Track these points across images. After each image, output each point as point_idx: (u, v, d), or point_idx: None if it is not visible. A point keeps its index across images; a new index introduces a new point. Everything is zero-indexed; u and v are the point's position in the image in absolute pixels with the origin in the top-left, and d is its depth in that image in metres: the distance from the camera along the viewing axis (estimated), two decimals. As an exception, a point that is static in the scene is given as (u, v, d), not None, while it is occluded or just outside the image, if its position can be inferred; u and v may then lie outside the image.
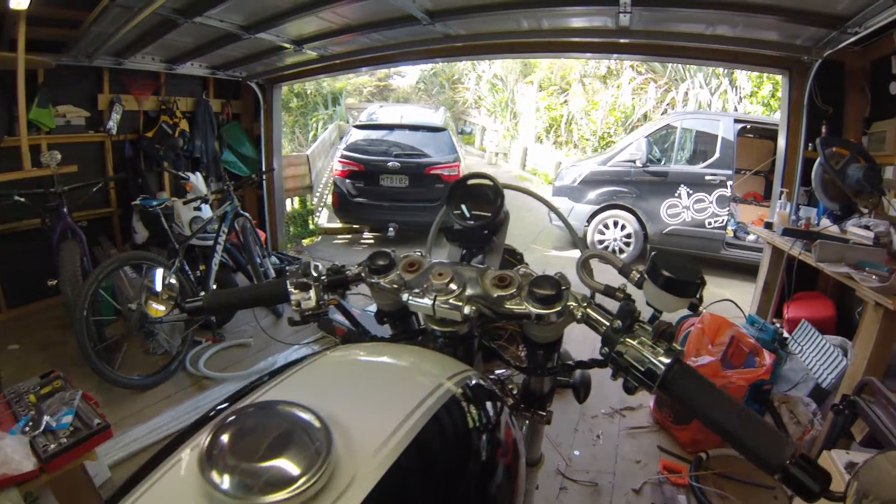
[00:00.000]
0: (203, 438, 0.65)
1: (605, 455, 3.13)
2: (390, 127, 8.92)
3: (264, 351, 4.24)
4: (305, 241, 8.97)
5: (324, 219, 10.33)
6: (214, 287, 4.22)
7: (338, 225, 9.45)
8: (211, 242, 4.35)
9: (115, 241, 5.52)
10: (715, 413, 0.83)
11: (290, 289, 1.20)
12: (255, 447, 0.64)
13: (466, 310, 1.00)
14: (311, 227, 9.89)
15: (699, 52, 4.45)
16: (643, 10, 3.61)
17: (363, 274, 1.18)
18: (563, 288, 0.99)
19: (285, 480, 0.60)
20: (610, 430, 3.34)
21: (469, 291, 1.02)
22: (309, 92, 15.09)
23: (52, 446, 1.89)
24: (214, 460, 0.62)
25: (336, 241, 8.73)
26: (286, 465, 0.62)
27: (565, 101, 15.61)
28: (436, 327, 1.09)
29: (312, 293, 1.21)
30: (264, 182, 6.89)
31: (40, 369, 2.39)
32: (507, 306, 1.00)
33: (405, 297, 1.06)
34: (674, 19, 3.90)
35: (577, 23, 4.21)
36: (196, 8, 4.04)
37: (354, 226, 9.19)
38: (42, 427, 1.94)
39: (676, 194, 7.17)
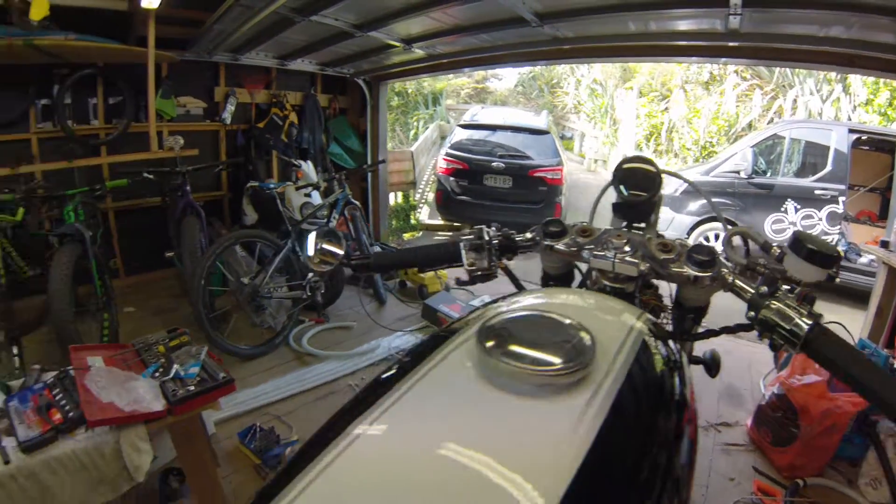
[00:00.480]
0: (480, 329, 0.90)
1: (699, 468, 3.12)
2: (494, 128, 9.05)
3: (366, 335, 4.44)
4: (406, 236, 9.15)
5: (425, 215, 10.56)
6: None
7: (439, 221, 9.61)
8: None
9: (224, 222, 5.98)
10: (860, 373, 0.91)
11: (464, 251, 1.37)
12: (535, 337, 0.88)
13: (642, 266, 1.20)
14: (413, 221, 10.06)
15: (811, 55, 4.25)
16: (753, 11, 3.53)
17: (537, 238, 1.38)
18: (717, 256, 1.17)
19: (555, 362, 0.81)
20: (705, 444, 3.31)
21: (640, 252, 1.22)
22: (410, 91, 15.34)
23: (181, 392, 2.10)
24: (498, 341, 0.86)
25: (437, 238, 8.72)
26: (562, 352, 0.84)
27: (666, 108, 15.25)
28: (607, 283, 1.27)
29: (485, 256, 1.39)
30: (370, 175, 7.15)
31: (154, 330, 2.62)
32: (671, 268, 1.19)
33: (586, 254, 1.27)
34: (785, 20, 3.79)
35: (685, 25, 4.17)
36: (313, 7, 4.26)
37: (455, 223, 9.28)
38: (171, 374, 2.18)
39: (783, 209, 6.95)
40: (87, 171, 5.09)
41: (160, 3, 4.41)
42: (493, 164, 8.23)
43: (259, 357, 3.98)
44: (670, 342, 1.13)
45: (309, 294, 4.27)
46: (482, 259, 1.39)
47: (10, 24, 4.34)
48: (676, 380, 1.02)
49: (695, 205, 7.37)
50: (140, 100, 5.32)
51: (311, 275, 4.19)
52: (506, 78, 20.19)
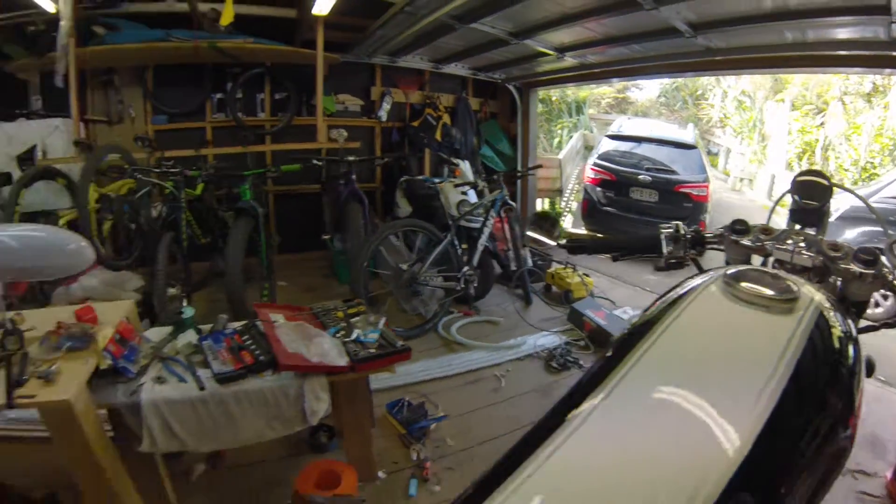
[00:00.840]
0: (726, 275, 1.26)
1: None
2: (641, 140, 8.97)
3: (511, 331, 4.56)
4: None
5: (568, 223, 10.55)
6: (476, 264, 4.65)
7: (582, 231, 9.53)
8: (477, 225, 4.78)
9: (377, 212, 6.41)
10: None
11: (664, 242, 1.72)
12: (760, 279, 1.23)
13: (816, 260, 1.46)
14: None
15: None
16: (919, 18, 3.37)
17: (725, 234, 1.66)
18: (879, 257, 1.39)
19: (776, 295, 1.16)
20: (840, 485, 3.15)
21: (814, 248, 1.48)
22: (553, 99, 15.20)
23: (362, 353, 2.40)
24: (743, 279, 1.22)
25: None
26: (781, 287, 1.20)
27: (821, 124, 13.45)
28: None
29: (681, 247, 1.73)
30: (520, 179, 7.34)
31: (307, 303, 2.96)
32: (840, 264, 1.43)
33: (769, 246, 1.55)
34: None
35: (844, 34, 4.03)
36: (472, 15, 4.50)
37: (598, 234, 9.11)
38: (352, 337, 2.49)
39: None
40: (255, 157, 5.87)
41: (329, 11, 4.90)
42: (640, 176, 8.13)
43: (408, 340, 4.17)
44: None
45: (462, 286, 4.52)
46: (678, 250, 1.67)
47: (194, 29, 5.18)
48: (851, 346, 1.23)
49: (852, 232, 6.84)
50: (302, 96, 5.99)
51: (466, 268, 4.47)
52: (647, 87, 19.57)
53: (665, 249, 1.71)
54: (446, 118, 6.71)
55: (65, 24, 4.82)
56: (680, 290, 1.32)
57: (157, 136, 5.61)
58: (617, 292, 5.37)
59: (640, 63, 5.50)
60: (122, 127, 5.81)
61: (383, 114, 6.45)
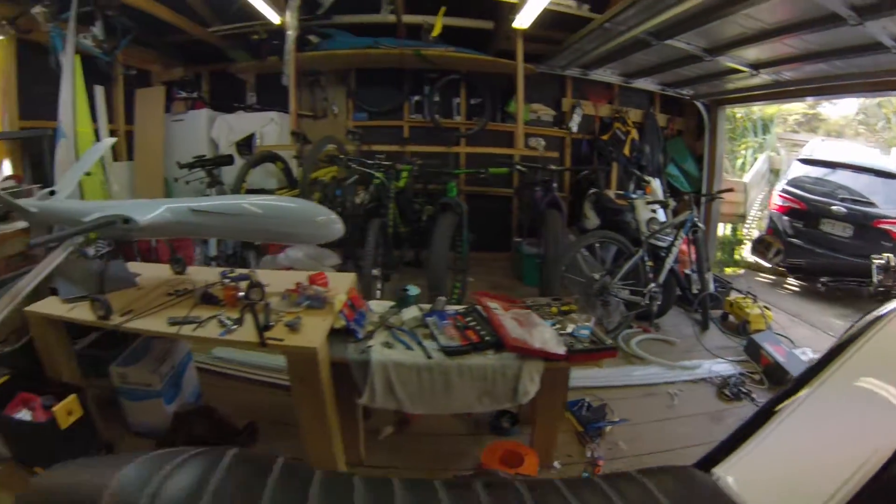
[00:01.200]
0: None
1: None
2: (837, 165, 7.99)
3: (687, 353, 4.61)
4: (727, 270, 8.70)
5: (748, 252, 9.82)
6: (661, 283, 4.73)
7: (761, 261, 8.49)
8: (665, 244, 4.90)
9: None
10: None
11: (874, 270, 1.94)
12: None
13: None
14: (736, 257, 9.81)
15: None
16: None
17: None
18: None
19: None
20: None
21: None
22: (738, 116, 14.43)
23: (577, 345, 2.67)
24: None
25: (758, 278, 7.73)
26: None
27: None
28: None
29: (891, 276, 1.93)
30: (708, 202, 7.05)
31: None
32: None
33: None
34: None
35: None
36: (669, 32, 4.64)
37: (780, 267, 8.13)
38: (567, 331, 2.77)
39: None
40: (452, 157, 6.46)
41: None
42: (834, 207, 7.14)
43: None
44: None
45: (647, 302, 4.64)
46: (888, 279, 1.86)
47: (399, 37, 5.91)
48: None
49: None
50: (496, 103, 6.50)
51: (652, 285, 4.59)
52: (841, 103, 18.05)
53: (876, 278, 1.84)
54: (634, 133, 6.80)
55: (291, 34, 5.71)
56: (884, 309, 1.40)
57: (347, 131, 6.34)
58: (796, 331, 5.12)
59: (839, 81, 5.34)
60: (326, 122, 6.75)
61: (574, 125, 6.71)
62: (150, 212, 2.65)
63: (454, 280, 4.81)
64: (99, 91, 5.76)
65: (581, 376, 3.76)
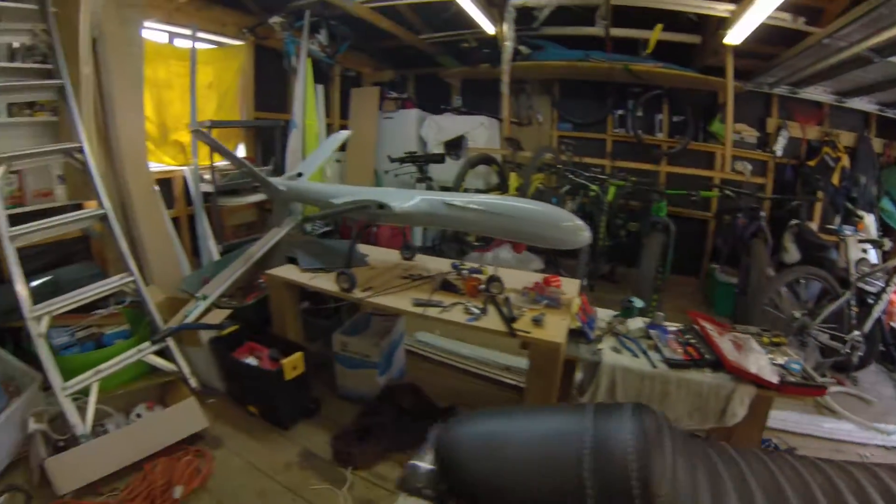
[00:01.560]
0: None
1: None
2: None
3: (883, 416, 4.16)
4: None
5: None
6: (866, 332, 4.36)
7: None
8: (874, 290, 4.38)
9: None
10: None
11: None
12: None
13: None
14: None
15: None
16: None
17: None
18: None
19: None
20: None
21: None
22: None
23: (790, 378, 2.73)
24: None
25: None
26: None
27: None
28: None
29: None
30: None
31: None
32: None
33: None
34: None
35: None
36: (894, 47, 4.37)
37: None
38: (780, 362, 2.83)
39: None
40: (654, 176, 6.54)
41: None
42: None
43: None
44: None
45: (848, 351, 4.25)
46: None
47: (608, 51, 6.10)
48: None
49: None
50: (698, 121, 6.45)
51: (856, 332, 4.24)
52: None
53: None
54: (845, 160, 6.17)
55: (508, 44, 6.14)
56: None
57: (559, 141, 6.73)
58: None
59: None
60: (530, 129, 7.13)
61: (779, 149, 6.25)
62: (405, 201, 3.11)
63: (650, 300, 4.82)
64: (319, 90, 6.69)
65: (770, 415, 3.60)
